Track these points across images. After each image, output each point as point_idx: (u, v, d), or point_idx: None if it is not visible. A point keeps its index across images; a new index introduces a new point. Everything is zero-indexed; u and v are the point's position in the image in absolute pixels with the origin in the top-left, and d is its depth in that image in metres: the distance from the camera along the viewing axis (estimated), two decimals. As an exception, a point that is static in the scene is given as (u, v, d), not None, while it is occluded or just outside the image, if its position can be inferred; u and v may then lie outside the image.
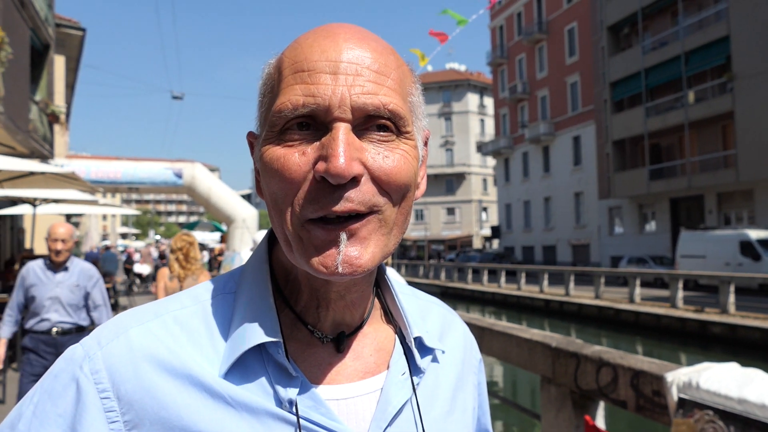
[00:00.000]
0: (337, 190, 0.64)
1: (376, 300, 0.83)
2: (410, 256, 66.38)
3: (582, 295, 24.17)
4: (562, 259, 42.70)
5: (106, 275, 17.65)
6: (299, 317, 0.75)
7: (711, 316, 17.59)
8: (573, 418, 3.39)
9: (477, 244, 64.95)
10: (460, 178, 67.40)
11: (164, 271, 5.59)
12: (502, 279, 30.63)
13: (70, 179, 8.90)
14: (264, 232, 6.18)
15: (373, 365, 0.77)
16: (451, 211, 67.95)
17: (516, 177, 49.41)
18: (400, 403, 0.74)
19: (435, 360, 0.82)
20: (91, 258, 18.95)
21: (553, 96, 44.35)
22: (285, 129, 0.67)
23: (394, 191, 0.67)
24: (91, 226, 46.17)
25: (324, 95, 0.64)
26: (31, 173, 8.37)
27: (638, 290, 21.38)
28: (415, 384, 0.77)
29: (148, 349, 0.68)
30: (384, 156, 0.67)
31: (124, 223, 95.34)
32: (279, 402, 0.68)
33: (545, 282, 26.74)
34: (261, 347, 0.70)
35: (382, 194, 0.67)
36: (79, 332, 4.82)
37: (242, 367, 0.69)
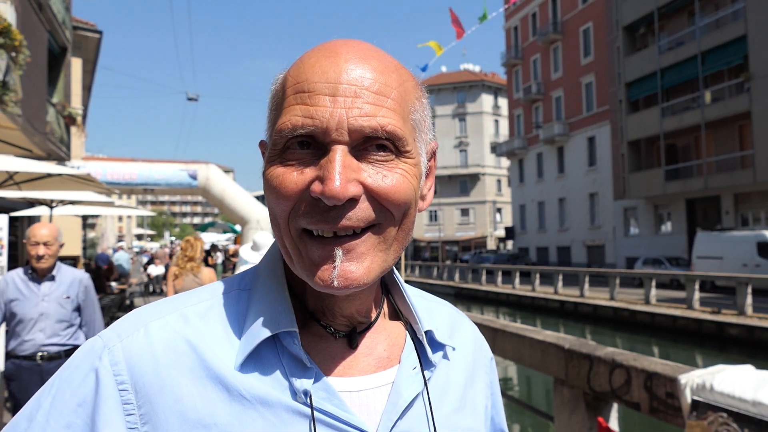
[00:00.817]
0: (333, 209, 0.66)
1: (386, 299, 0.85)
2: (424, 257, 66.30)
3: (597, 297, 24.02)
4: (577, 260, 42.45)
5: (122, 277, 17.81)
6: (312, 315, 0.77)
7: (728, 317, 17.40)
8: (586, 419, 3.38)
9: (491, 245, 64.73)
10: (474, 178, 67.23)
11: (172, 269, 6.00)
12: (517, 280, 30.53)
13: (85, 181, 8.98)
14: (263, 232, 6.30)
15: (385, 359, 0.78)
16: (465, 212, 67.77)
17: (530, 178, 49.20)
18: (411, 396, 0.75)
19: (445, 357, 0.84)
20: (103, 260, 18.99)
21: (568, 96, 44.10)
22: (286, 147, 0.68)
23: (394, 209, 0.69)
24: (107, 227, 46.57)
25: (322, 117, 0.65)
26: (48, 175, 8.46)
27: (654, 291, 21.21)
28: (426, 378, 0.78)
29: (167, 342, 0.70)
30: (383, 176, 0.68)
31: (140, 225, 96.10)
32: (293, 393, 0.70)
33: (560, 283, 26.61)
34: (275, 340, 0.72)
35: (382, 211, 0.68)
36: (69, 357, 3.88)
37: (257, 359, 0.70)
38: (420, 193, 0.75)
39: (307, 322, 0.77)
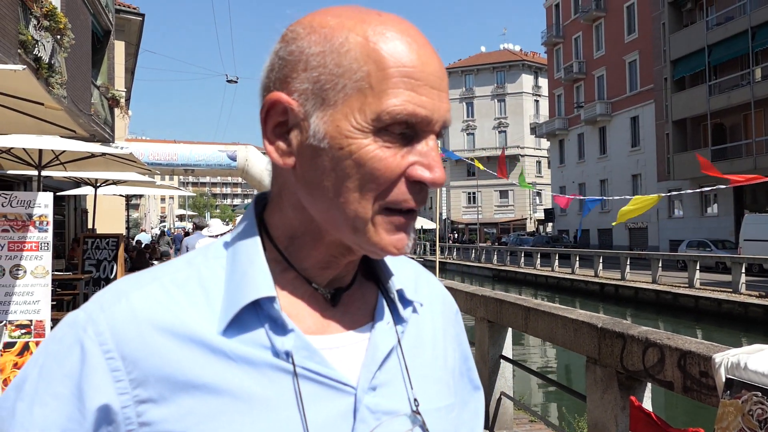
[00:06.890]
0: (423, 191, 0.72)
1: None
2: (462, 239, 65.95)
3: (639, 280, 23.59)
4: (619, 242, 41.71)
5: (162, 256, 18.25)
6: (300, 274, 0.79)
7: (775, 302, 16.93)
8: (619, 399, 3.34)
9: (530, 227, 64.04)
10: (513, 160, 66.43)
11: None
12: (555, 263, 30.17)
13: (128, 161, 9.19)
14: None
15: (361, 317, 0.81)
16: (504, 194, 67.14)
17: (571, 159, 48.37)
18: (387, 348, 0.78)
19: (415, 311, 0.86)
20: (178, 240, 20.51)
21: (611, 75, 43.08)
22: (385, 128, 0.69)
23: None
24: (150, 207, 47.68)
25: (430, 109, 0.70)
26: (92, 155, 8.69)
27: (698, 275, 20.71)
28: (399, 333, 0.81)
29: (149, 310, 0.71)
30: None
31: (182, 206, 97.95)
32: (276, 353, 0.71)
33: (600, 266, 26.19)
34: (255, 304, 0.73)
35: None
36: None
37: (239, 323, 0.72)
38: None
39: (292, 283, 0.78)
